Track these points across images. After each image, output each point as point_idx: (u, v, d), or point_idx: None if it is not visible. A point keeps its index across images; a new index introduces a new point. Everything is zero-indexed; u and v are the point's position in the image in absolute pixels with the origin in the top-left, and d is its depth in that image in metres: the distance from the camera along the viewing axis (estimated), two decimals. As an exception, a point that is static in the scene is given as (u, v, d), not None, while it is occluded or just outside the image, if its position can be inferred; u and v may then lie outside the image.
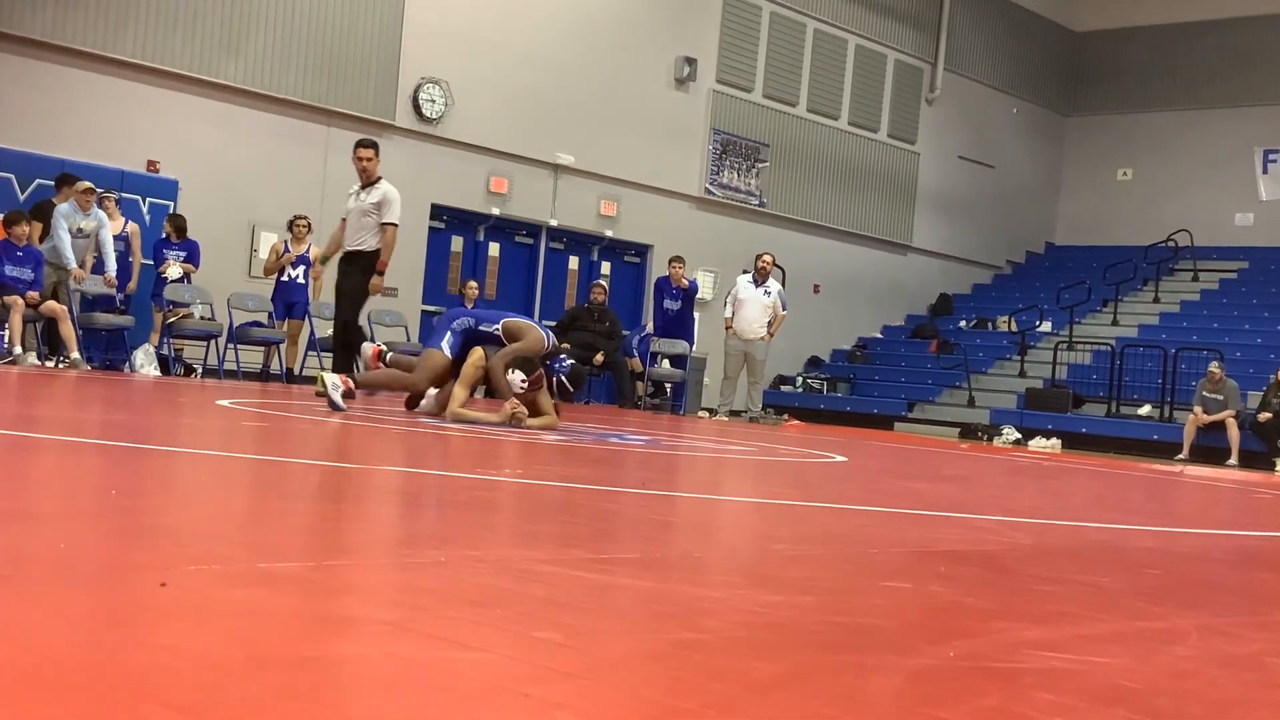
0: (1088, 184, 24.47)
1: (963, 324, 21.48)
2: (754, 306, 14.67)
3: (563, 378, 7.93)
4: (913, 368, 20.20)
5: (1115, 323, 20.41)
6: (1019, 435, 16.46)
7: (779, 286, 15.14)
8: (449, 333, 8.14)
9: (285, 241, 13.41)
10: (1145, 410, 17.48)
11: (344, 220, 9.54)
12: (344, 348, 9.55)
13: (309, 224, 13.44)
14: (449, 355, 8.06)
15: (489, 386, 8.34)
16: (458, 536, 2.95)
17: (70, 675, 1.42)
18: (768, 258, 14.99)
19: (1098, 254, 22.78)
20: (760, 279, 14.75)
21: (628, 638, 1.95)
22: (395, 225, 9.35)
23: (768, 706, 1.58)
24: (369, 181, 9.36)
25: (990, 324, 21.29)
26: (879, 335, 21.50)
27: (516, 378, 7.64)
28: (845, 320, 20.89)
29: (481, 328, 8.13)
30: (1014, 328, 20.49)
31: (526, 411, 7.69)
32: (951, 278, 22.76)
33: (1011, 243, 24.00)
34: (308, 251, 13.36)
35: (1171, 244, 22.15)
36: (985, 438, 16.53)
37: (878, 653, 1.95)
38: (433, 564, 2.42)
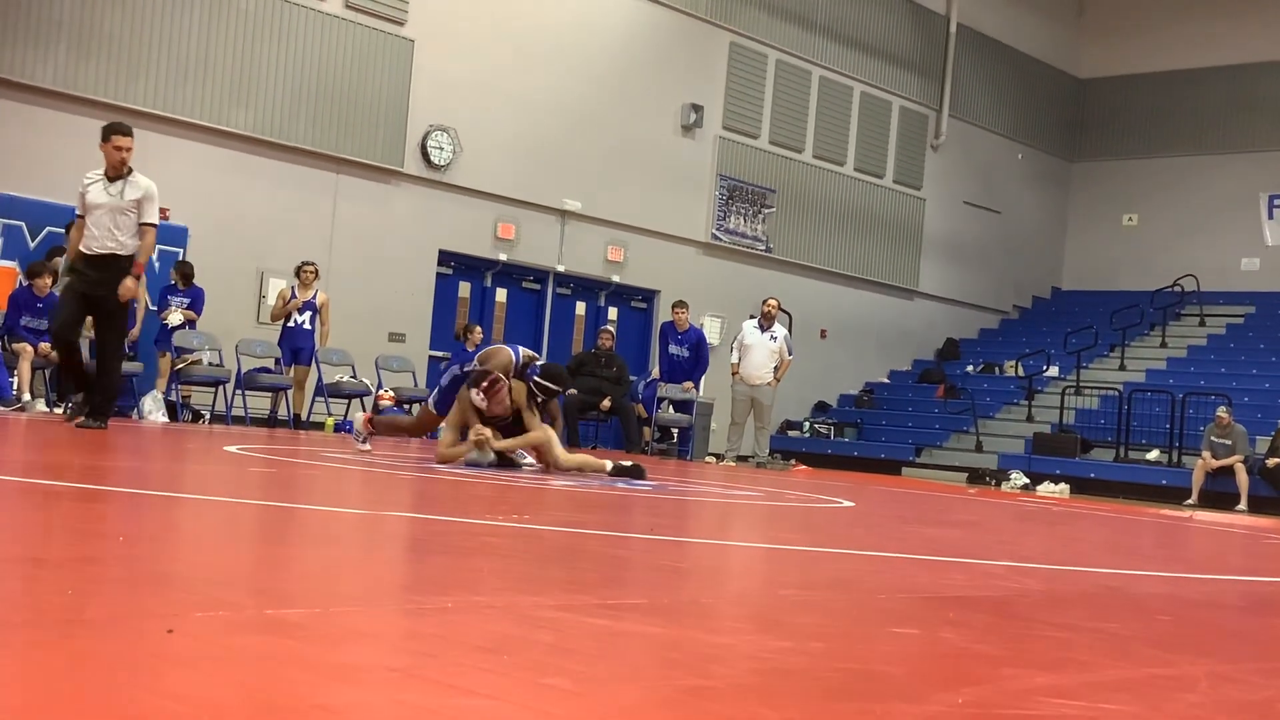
0: (1093, 229, 24.51)
1: (970, 369, 21.46)
2: (760, 352, 14.67)
3: (536, 378, 7.92)
4: (920, 412, 20.17)
5: (1122, 367, 20.40)
6: (1027, 480, 16.41)
7: (785, 331, 15.16)
8: (437, 389, 8.45)
9: (293, 287, 13.47)
10: (1153, 455, 17.43)
11: (81, 218, 8.34)
12: (105, 374, 8.43)
13: (316, 270, 13.50)
14: (434, 412, 8.35)
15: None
16: (465, 582, 2.94)
17: (78, 722, 1.41)
18: (773, 302, 15.02)
19: (1104, 299, 22.78)
20: (766, 324, 14.76)
21: (636, 684, 1.94)
22: (156, 226, 8.42)
23: (777, 754, 1.57)
24: (121, 174, 8.27)
25: (997, 369, 21.26)
26: (886, 380, 21.48)
27: (474, 394, 7.62)
28: (852, 365, 20.87)
29: (465, 369, 8.24)
30: (1021, 372, 20.46)
31: (489, 434, 7.68)
32: (958, 323, 22.76)
33: (1018, 288, 24.02)
34: (314, 297, 13.42)
35: (1178, 289, 22.17)
36: (993, 483, 16.48)
37: (887, 700, 1.94)
38: (440, 610, 2.42)
